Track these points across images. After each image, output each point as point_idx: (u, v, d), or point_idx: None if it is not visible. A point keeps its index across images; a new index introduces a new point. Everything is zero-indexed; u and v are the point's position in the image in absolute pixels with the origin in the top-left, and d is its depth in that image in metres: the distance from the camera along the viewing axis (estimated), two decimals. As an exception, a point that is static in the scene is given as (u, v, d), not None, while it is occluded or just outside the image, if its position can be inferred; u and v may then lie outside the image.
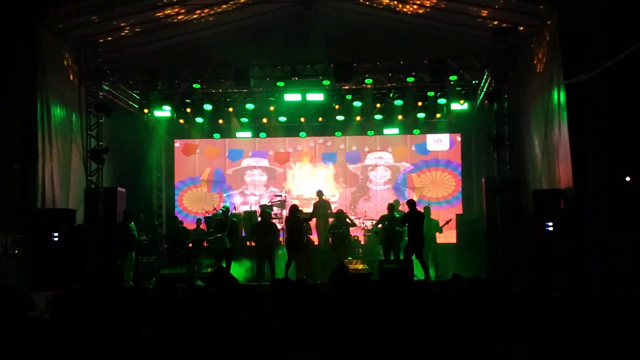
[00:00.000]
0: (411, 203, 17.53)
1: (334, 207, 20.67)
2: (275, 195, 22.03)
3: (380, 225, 18.47)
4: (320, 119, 21.73)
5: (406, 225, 17.47)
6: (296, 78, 19.28)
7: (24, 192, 16.74)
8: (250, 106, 20.39)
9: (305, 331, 5.29)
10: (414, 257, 17.04)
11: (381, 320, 5.56)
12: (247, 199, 23.21)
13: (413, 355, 5.03)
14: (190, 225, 21.01)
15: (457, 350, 5.08)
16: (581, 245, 15.68)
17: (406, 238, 18.29)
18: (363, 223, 20.61)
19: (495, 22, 17.81)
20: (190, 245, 19.61)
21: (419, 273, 16.91)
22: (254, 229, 18.68)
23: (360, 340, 5.16)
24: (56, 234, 17.18)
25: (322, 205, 20.89)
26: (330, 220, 19.38)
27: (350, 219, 19.12)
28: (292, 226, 17.68)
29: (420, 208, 18.07)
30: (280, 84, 19.58)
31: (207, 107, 20.26)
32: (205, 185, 23.71)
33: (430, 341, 5.17)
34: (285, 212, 19.64)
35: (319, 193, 21.05)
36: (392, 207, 18.47)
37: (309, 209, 21.45)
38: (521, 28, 17.77)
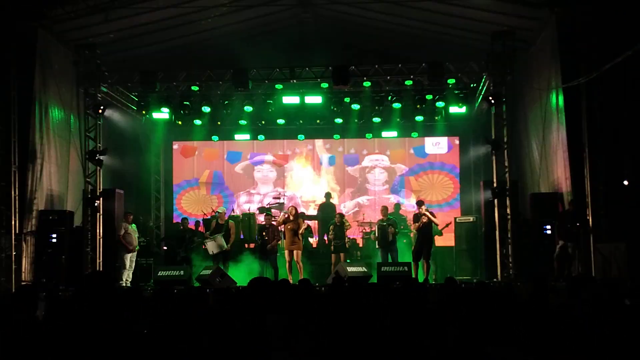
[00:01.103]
0: (420, 204, 17.55)
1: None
2: (274, 198, 22.07)
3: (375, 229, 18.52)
4: (318, 121, 21.74)
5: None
6: (294, 81, 19.29)
7: (22, 193, 16.74)
8: (248, 108, 20.35)
9: (301, 333, 5.30)
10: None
11: (377, 323, 5.57)
12: (252, 198, 23.17)
13: (406, 357, 5.04)
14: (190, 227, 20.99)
15: (449, 353, 5.09)
16: (579, 249, 15.72)
17: (404, 240, 18.34)
18: (361, 226, 20.59)
19: (494, 26, 17.81)
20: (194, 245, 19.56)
21: (417, 275, 16.92)
22: (260, 230, 18.65)
23: (355, 342, 5.16)
24: (54, 235, 17.19)
25: (326, 207, 20.95)
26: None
27: (347, 222, 19.10)
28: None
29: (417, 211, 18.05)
30: (279, 86, 19.60)
31: (206, 109, 20.23)
32: (204, 188, 23.70)
33: (422, 344, 5.18)
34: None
35: (327, 195, 21.21)
36: (386, 210, 18.52)
37: (307, 211, 21.52)
38: (519, 32, 17.77)
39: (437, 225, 17.70)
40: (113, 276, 15.95)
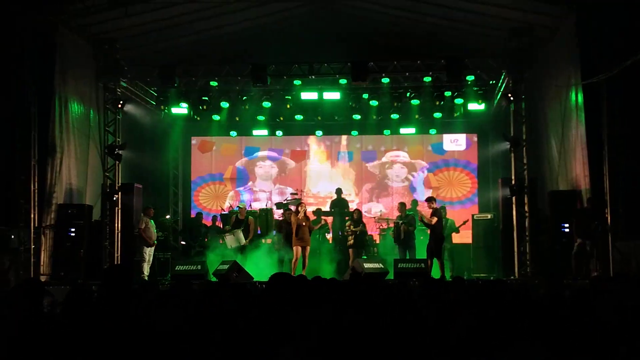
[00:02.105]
0: (429, 200, 17.47)
1: (352, 206, 20.74)
2: (292, 194, 22.08)
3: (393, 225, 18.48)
4: (336, 117, 21.73)
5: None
6: (313, 76, 19.32)
7: (41, 187, 16.86)
8: (266, 104, 20.41)
9: (309, 327, 5.30)
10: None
11: (390, 318, 5.56)
12: (257, 196, 23.22)
13: (412, 353, 5.03)
14: (205, 222, 21.04)
15: (459, 351, 5.08)
16: (597, 247, 15.63)
17: (421, 237, 18.28)
18: (379, 222, 20.56)
19: (513, 22, 17.73)
20: (206, 240, 19.64)
21: (434, 272, 16.86)
22: (279, 226, 18.67)
23: (367, 339, 5.16)
24: (73, 230, 17.30)
25: (339, 203, 20.92)
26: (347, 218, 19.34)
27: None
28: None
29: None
30: (297, 82, 19.63)
31: (224, 104, 20.33)
32: (230, 183, 23.72)
33: (429, 341, 5.16)
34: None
35: (338, 191, 21.16)
36: (403, 207, 18.45)
37: (324, 208, 21.51)
38: (538, 28, 17.68)
39: (430, 222, 17.19)
40: (130, 270, 16.01)
